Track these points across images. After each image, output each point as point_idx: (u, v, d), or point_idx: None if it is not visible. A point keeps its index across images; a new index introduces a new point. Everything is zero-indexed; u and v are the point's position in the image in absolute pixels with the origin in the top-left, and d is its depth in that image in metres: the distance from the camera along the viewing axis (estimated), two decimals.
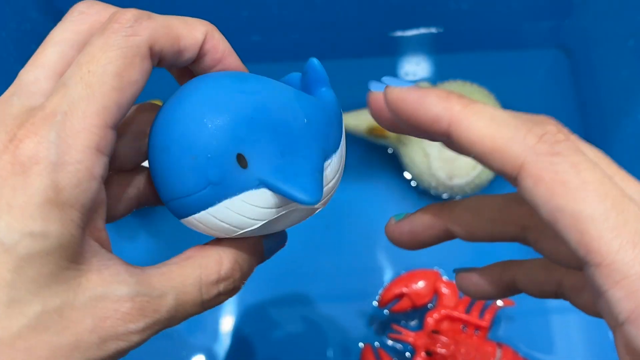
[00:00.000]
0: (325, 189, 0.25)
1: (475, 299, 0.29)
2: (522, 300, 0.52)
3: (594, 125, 0.60)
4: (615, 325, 0.18)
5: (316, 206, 0.25)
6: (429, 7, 0.60)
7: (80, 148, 0.21)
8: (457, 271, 0.29)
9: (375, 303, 0.53)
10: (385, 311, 0.52)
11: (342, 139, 0.26)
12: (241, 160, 0.23)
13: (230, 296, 0.26)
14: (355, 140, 0.57)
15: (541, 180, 0.19)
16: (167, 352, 0.52)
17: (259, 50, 0.62)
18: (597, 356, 0.52)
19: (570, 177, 0.19)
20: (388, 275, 0.54)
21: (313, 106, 0.25)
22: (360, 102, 0.58)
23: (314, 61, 0.26)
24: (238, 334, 0.52)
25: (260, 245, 0.27)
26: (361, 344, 0.51)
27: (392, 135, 0.55)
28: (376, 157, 0.58)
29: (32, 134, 0.21)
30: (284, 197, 0.23)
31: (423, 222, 0.27)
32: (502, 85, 0.57)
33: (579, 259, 0.19)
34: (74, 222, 0.21)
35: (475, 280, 0.28)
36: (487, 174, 0.52)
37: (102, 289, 0.22)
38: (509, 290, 0.28)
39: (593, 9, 0.59)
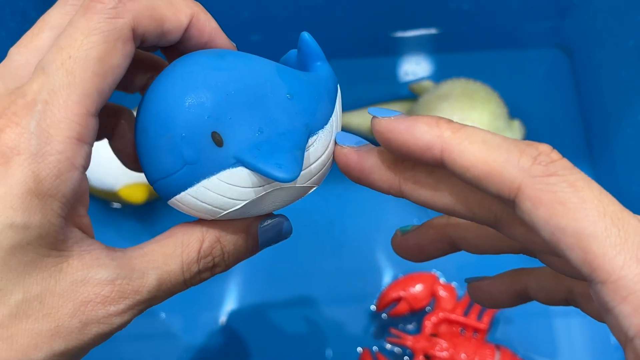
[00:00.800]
0: (313, 166, 0.25)
1: (488, 308, 0.29)
2: None
3: (594, 125, 0.59)
4: (626, 340, 0.18)
5: (307, 184, 0.25)
6: (429, 7, 0.60)
7: (60, 138, 0.21)
8: (468, 281, 0.29)
9: (373, 307, 0.53)
10: (383, 315, 0.52)
11: (333, 115, 0.25)
12: (217, 138, 0.23)
13: (212, 274, 0.26)
14: None
15: (540, 201, 0.19)
16: (167, 352, 0.52)
17: (259, 50, 0.61)
18: (596, 357, 0.52)
19: (569, 196, 0.19)
20: (387, 277, 0.54)
21: (298, 80, 0.24)
22: (361, 101, 0.58)
23: (305, 36, 0.25)
24: (237, 335, 0.53)
25: (254, 230, 0.26)
26: (359, 349, 0.51)
27: None
28: None
29: (14, 123, 0.21)
30: (263, 176, 0.23)
31: (429, 235, 0.27)
32: (502, 86, 0.57)
33: (584, 276, 0.19)
34: (54, 211, 0.21)
35: (487, 290, 0.28)
36: None
37: (82, 273, 0.22)
38: (520, 298, 0.28)
39: (593, 9, 0.59)
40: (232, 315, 0.53)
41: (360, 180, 0.25)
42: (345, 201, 0.56)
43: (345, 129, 0.58)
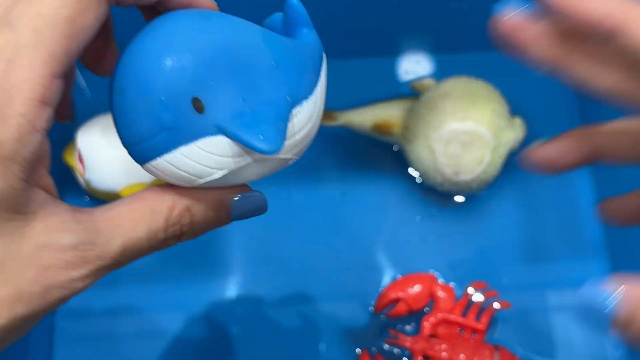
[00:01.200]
0: (295, 138, 0.24)
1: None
2: (518, 302, 0.52)
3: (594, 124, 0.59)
4: None
5: (288, 156, 0.24)
6: (430, 7, 0.59)
7: (23, 100, 0.20)
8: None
9: (371, 308, 0.53)
10: (382, 316, 0.52)
11: (318, 85, 0.25)
12: (198, 104, 0.22)
13: (179, 241, 0.26)
14: (360, 138, 0.57)
15: None
16: (166, 351, 0.52)
17: None
18: (595, 356, 0.52)
19: None
20: (386, 278, 0.54)
21: (284, 48, 0.24)
22: (361, 101, 0.58)
23: (293, 0, 0.25)
24: (234, 333, 0.53)
25: (227, 202, 0.26)
26: (358, 350, 0.51)
27: (397, 132, 0.54)
28: (381, 154, 0.58)
29: None
30: (244, 146, 0.22)
31: (569, 145, 0.26)
32: (501, 85, 0.57)
33: None
34: (15, 175, 0.20)
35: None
36: (493, 170, 0.52)
37: (45, 237, 0.22)
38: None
39: None
40: (230, 313, 0.53)
41: (518, 49, 0.24)
42: (346, 201, 0.56)
43: (345, 128, 0.58)
